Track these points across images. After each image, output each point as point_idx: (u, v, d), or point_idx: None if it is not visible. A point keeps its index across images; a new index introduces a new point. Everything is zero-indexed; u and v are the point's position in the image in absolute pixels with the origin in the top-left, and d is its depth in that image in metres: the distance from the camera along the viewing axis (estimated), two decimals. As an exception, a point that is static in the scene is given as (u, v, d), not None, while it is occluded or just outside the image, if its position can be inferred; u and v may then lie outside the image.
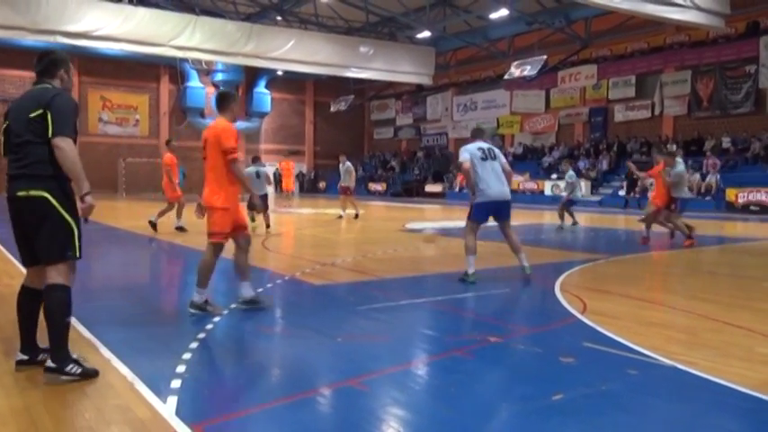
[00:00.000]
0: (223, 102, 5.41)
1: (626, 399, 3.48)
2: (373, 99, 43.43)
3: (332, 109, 40.38)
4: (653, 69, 27.88)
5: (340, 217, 17.26)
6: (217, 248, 5.40)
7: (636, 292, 6.70)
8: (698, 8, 19.30)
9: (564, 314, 5.48)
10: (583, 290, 6.59)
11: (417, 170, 37.21)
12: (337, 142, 42.71)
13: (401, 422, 3.25)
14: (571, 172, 15.96)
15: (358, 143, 45.21)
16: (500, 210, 7.26)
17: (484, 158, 7.13)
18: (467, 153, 7.09)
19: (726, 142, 24.79)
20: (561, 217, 15.41)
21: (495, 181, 7.07)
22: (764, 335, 4.77)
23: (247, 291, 5.60)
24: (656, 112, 27.88)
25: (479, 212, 7.27)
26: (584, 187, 26.48)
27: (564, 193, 15.85)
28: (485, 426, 3.17)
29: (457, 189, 33.46)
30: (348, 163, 17.51)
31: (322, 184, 40.75)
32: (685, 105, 26.90)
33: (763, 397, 3.48)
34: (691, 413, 3.35)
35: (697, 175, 23.59)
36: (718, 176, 22.99)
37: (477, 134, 7.48)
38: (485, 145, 7.26)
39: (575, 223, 15.53)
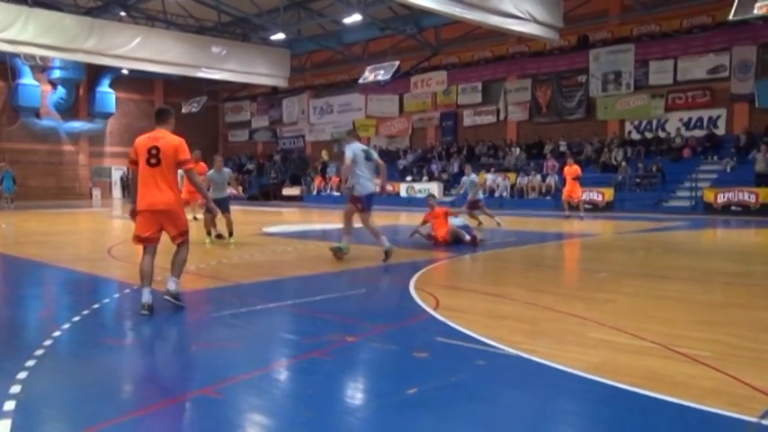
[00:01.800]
0: (164, 115, 5.99)
1: (475, 388, 3.68)
2: (227, 101, 42.43)
3: (183, 110, 38.85)
4: (497, 77, 29.53)
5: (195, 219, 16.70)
6: (188, 244, 6.08)
7: (485, 287, 7.08)
8: (535, 21, 20.72)
9: (418, 311, 5.67)
10: (436, 287, 6.85)
11: (274, 173, 36.82)
12: (190, 145, 41.09)
13: (259, 427, 3.22)
14: (473, 175, 16.50)
15: (212, 146, 43.90)
16: (371, 200, 9.04)
17: (368, 158, 8.82)
18: (351, 152, 8.65)
19: (563, 146, 26.80)
20: (475, 218, 15.86)
21: (372, 177, 8.93)
22: (596, 321, 5.22)
23: (172, 285, 5.86)
24: (502, 117, 29.58)
25: (369, 202, 8.98)
26: (436, 190, 27.55)
27: (468, 194, 16.31)
28: (343, 424, 3.22)
29: (314, 192, 33.51)
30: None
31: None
32: (527, 111, 28.78)
33: (596, 378, 3.82)
34: (533, 397, 3.61)
35: (539, 177, 25.28)
36: (557, 177, 24.76)
37: (356, 137, 9.21)
38: (365, 147, 8.99)
39: (484, 225, 15.96)
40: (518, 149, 28.01)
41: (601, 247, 11.70)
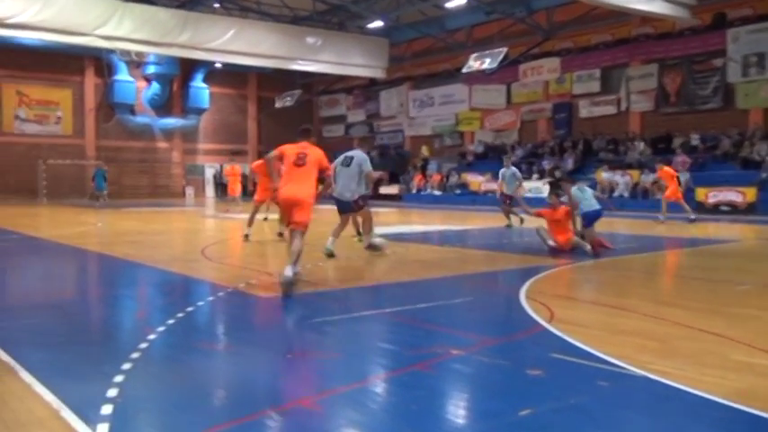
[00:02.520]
0: (308, 132, 8.35)
1: (598, 412, 3.55)
2: (322, 94, 43.34)
3: (277, 105, 40.07)
4: (618, 62, 28.54)
5: (266, 219, 17.18)
6: (304, 234, 7.53)
7: (605, 298, 6.85)
8: (663, -2, 19.92)
9: (530, 323, 5.55)
10: (549, 297, 6.69)
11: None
12: (283, 141, 42.34)
13: (358, 444, 3.24)
14: (513, 167, 16.72)
15: (306, 142, 45.03)
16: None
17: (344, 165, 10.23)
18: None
19: (695, 139, 25.56)
20: (508, 216, 16.20)
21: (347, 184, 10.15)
22: (739, 341, 4.93)
23: (289, 272, 6.91)
24: (623, 107, 28.56)
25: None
26: (547, 189, 26.98)
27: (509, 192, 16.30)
28: (449, 445, 3.19)
29: (414, 190, 33.64)
30: None
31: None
32: (652, 101, 27.63)
33: (738, 406, 3.60)
34: (666, 425, 3.44)
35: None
36: (689, 175, 23.63)
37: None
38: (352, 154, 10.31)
39: (509, 225, 16.06)
40: (642, 144, 26.97)
41: (742, 255, 11.05)
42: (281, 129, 43.43)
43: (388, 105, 39.54)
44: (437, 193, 32.14)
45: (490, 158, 32.67)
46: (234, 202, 22.22)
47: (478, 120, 34.39)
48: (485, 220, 19.65)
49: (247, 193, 42.06)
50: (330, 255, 9.82)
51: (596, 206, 11.78)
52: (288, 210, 7.56)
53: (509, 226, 15.96)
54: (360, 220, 10.92)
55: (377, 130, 40.62)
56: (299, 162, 7.58)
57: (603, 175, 25.80)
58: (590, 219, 11.42)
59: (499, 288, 7.65)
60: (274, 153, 7.87)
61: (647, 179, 24.42)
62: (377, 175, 10.67)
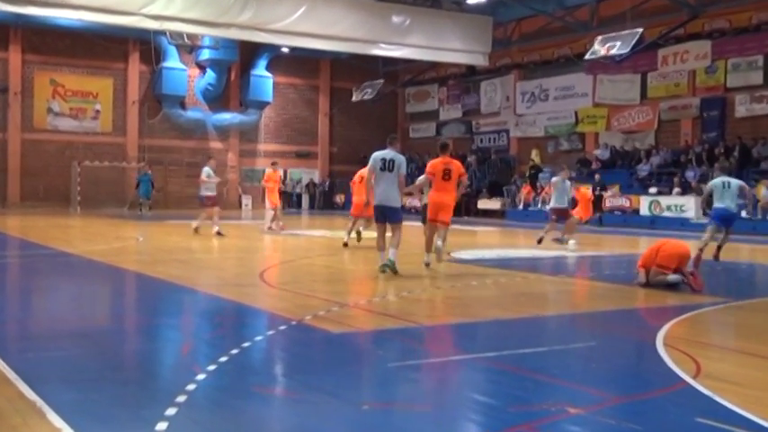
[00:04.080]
0: (447, 148, 12.29)
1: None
2: (409, 85, 43.69)
3: (354, 98, 40.65)
4: (788, 47, 27.68)
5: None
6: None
7: (765, 348, 6.58)
8: None
9: (669, 378, 5.40)
10: (695, 345, 6.49)
11: (468, 180, 37.27)
12: (361, 141, 43.01)
13: None
14: (558, 177, 17.74)
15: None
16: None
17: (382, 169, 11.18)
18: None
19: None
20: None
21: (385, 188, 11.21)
22: None
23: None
24: (793, 104, 27.63)
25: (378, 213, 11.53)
26: (693, 206, 26.25)
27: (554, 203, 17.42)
28: None
29: (521, 205, 33.36)
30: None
31: (340, 198, 40.97)
32: (832, 96, 26.61)
33: None
34: None
35: None
36: None
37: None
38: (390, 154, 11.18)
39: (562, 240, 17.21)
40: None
41: None
42: (359, 126, 44.06)
43: (490, 100, 39.49)
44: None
45: (619, 167, 32.16)
46: (273, 216, 21.88)
47: (604, 118, 33.93)
48: (611, 244, 19.25)
49: (317, 204, 42.78)
50: (392, 269, 10.84)
51: (729, 205, 13.60)
52: (435, 211, 11.79)
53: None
54: (389, 232, 11.41)
55: (476, 130, 40.59)
56: (445, 177, 11.70)
57: (765, 191, 24.93)
58: (720, 218, 12.86)
59: (630, 331, 7.47)
60: (427, 172, 11.99)
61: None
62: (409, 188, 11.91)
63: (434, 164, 11.85)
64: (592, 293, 10.62)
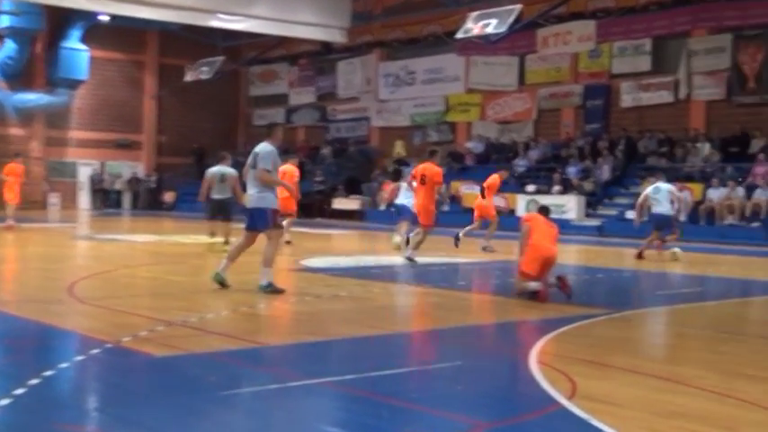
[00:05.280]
0: (434, 154, 15.71)
1: None
2: (254, 64, 43.35)
3: (187, 78, 39.89)
4: (676, 30, 28.97)
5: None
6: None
7: (650, 365, 6.89)
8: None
9: (542, 400, 5.57)
10: (572, 362, 6.72)
11: (322, 176, 37.29)
12: (195, 130, 42.39)
13: None
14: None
15: (229, 132, 44.91)
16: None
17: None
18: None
19: (777, 142, 26.06)
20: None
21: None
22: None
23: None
24: (682, 94, 28.97)
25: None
26: (575, 207, 27.21)
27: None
28: None
29: (383, 205, 33.60)
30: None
31: (169, 196, 40.13)
32: (723, 86, 28.10)
33: None
34: None
35: (740, 190, 24.61)
36: (773, 191, 24.05)
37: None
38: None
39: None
40: (707, 146, 27.41)
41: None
42: (193, 112, 43.34)
43: (348, 83, 39.65)
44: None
45: (494, 161, 32.83)
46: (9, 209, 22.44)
47: (478, 106, 34.64)
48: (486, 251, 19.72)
49: (140, 204, 41.70)
50: (221, 283, 10.57)
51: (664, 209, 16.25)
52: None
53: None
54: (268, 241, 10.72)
55: (331, 118, 40.69)
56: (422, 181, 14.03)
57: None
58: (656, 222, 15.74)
59: (501, 348, 7.66)
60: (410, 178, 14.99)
61: (716, 195, 24.73)
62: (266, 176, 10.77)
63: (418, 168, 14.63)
64: (460, 306, 10.81)
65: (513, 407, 5.62)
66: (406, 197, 17.16)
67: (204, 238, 17.67)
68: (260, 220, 10.39)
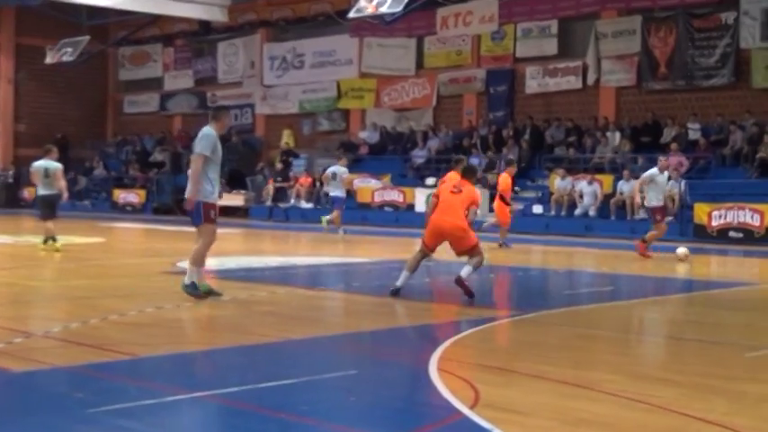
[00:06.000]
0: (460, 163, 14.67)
1: None
2: (124, 44, 42.60)
3: (48, 59, 38.98)
4: (584, 11, 29.60)
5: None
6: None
7: (558, 370, 7.02)
8: None
9: (443, 409, 5.62)
10: (475, 369, 6.83)
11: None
12: (58, 117, 41.50)
13: None
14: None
15: (96, 120, 44.11)
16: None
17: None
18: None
19: (694, 130, 26.81)
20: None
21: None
22: (749, 433, 5.19)
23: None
24: (591, 80, 29.56)
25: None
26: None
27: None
28: None
29: (268, 200, 33.43)
30: None
31: (29, 192, 39.11)
32: (634, 71, 28.77)
33: None
34: None
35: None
36: (684, 184, 24.70)
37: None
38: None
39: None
40: (618, 135, 28.02)
41: (758, 306, 11.64)
42: (55, 97, 42.46)
43: (230, 66, 39.37)
44: (306, 205, 32.13)
45: (390, 153, 32.97)
46: None
47: (372, 92, 34.72)
48: (383, 249, 19.80)
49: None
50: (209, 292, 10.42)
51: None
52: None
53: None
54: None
55: (211, 104, 40.21)
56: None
57: (559, 182, 26.53)
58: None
59: (399, 355, 7.71)
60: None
61: (627, 188, 25.25)
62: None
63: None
64: (356, 310, 10.85)
65: (412, 418, 5.65)
66: (336, 188, 19.22)
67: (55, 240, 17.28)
68: (193, 214, 10.31)
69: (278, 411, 5.63)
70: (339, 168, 23.52)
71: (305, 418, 5.50)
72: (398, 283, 10.87)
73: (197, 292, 10.16)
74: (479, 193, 12.15)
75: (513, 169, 20.85)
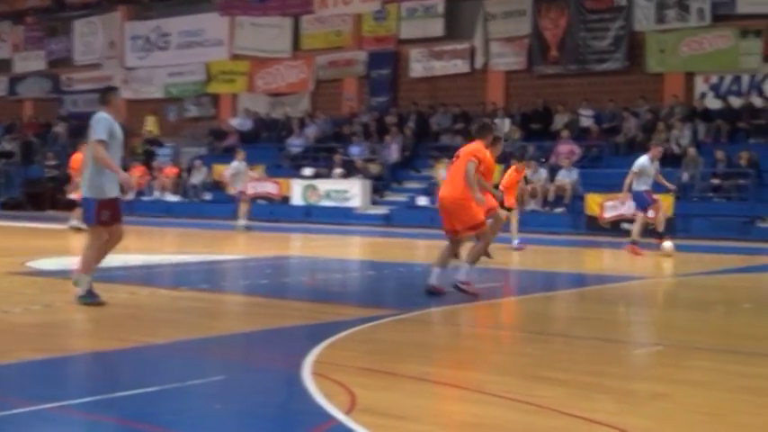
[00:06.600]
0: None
1: None
2: (-33, 21, 41.63)
3: None
4: (475, -9, 29.95)
5: None
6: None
7: (440, 371, 7.12)
8: None
9: (317, 416, 5.65)
10: (352, 372, 6.86)
11: (54, 159, 36.20)
12: None
13: None
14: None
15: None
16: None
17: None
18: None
19: (586, 117, 27.38)
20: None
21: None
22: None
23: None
24: (479, 63, 29.94)
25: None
26: (360, 193, 27.60)
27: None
28: None
29: (130, 194, 32.94)
30: None
31: None
32: (524, 55, 29.21)
33: None
34: None
35: (543, 171, 25.65)
36: (576, 174, 25.20)
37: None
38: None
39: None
40: (507, 122, 28.40)
41: (651, 301, 11.98)
42: None
43: (87, 46, 38.77)
44: (171, 198, 31.80)
45: (265, 141, 32.84)
46: None
47: (245, 76, 34.60)
48: (255, 246, 19.76)
49: None
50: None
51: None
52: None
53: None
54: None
55: (66, 88, 39.62)
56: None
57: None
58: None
59: (270, 359, 7.71)
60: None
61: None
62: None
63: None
64: (225, 311, 10.83)
65: (282, 426, 5.66)
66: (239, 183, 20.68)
67: None
68: (84, 212, 10.12)
69: (139, 422, 5.58)
70: (239, 165, 24.37)
71: (169, 429, 5.47)
72: (433, 281, 11.09)
73: (95, 299, 9.93)
74: (482, 149, 11.43)
75: (524, 166, 19.23)
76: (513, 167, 18.37)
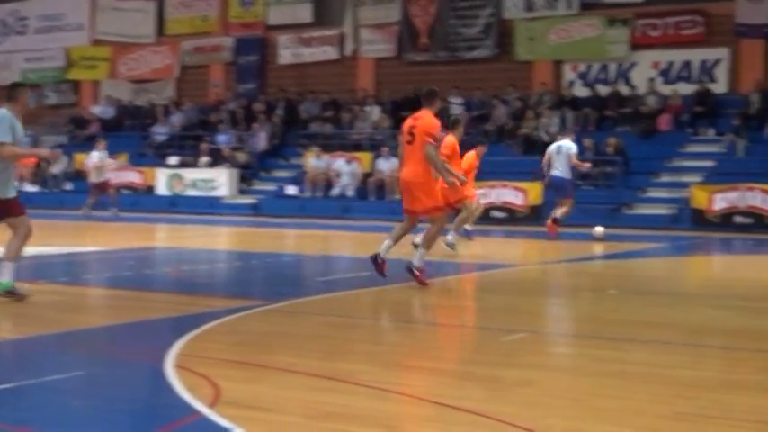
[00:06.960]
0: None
1: None
2: None
3: None
4: (341, -25, 29.95)
5: None
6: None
7: (309, 361, 7.12)
8: None
9: (179, 409, 5.61)
10: (216, 364, 6.84)
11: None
12: None
13: None
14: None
15: None
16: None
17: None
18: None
19: (456, 105, 27.64)
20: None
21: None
22: (501, 420, 5.39)
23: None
24: (348, 50, 30.00)
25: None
26: (227, 182, 27.45)
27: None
28: None
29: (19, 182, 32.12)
30: None
31: None
32: (394, 42, 29.35)
33: None
34: None
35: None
36: (445, 162, 25.48)
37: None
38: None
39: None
40: (377, 110, 28.51)
41: (516, 289, 12.19)
42: None
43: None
44: (30, 188, 31.09)
45: (128, 129, 32.40)
46: None
47: (107, 61, 34.11)
48: (117, 237, 19.50)
49: None
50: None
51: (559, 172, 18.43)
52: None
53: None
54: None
55: None
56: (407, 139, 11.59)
57: (314, 161, 26.79)
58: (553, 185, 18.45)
59: (130, 352, 7.61)
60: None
61: (386, 167, 25.69)
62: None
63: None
64: (85, 304, 10.69)
65: (144, 420, 5.59)
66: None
67: None
68: None
69: (-8, 421, 5.46)
70: (100, 155, 24.91)
71: (24, 427, 5.36)
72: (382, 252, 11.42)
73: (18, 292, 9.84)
74: (434, 123, 11.98)
75: (484, 149, 19.23)
76: (474, 151, 18.25)
